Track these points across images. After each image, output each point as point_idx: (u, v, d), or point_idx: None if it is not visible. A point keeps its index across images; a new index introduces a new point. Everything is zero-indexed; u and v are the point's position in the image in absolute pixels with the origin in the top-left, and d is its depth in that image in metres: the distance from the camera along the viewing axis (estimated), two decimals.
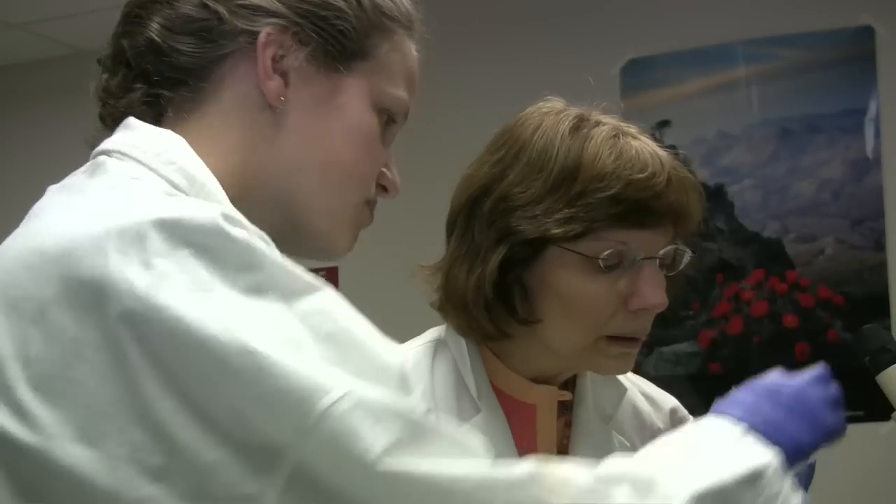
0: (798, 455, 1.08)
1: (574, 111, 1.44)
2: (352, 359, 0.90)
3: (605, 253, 1.37)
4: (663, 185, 1.37)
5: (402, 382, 0.93)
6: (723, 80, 3.64)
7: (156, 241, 0.89)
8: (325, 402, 0.86)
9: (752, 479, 1.01)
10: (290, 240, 1.09)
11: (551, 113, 1.44)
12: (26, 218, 1.03)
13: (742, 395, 1.11)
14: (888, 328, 3.35)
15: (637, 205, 1.36)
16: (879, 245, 3.42)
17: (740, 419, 1.06)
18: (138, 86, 1.08)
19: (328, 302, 0.92)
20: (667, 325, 3.50)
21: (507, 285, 1.40)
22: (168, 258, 0.89)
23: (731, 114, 3.61)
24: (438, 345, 1.51)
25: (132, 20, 1.10)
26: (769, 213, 3.54)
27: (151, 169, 1.01)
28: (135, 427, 0.86)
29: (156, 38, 1.07)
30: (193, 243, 0.89)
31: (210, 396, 0.86)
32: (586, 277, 1.38)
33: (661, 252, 1.40)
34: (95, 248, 0.90)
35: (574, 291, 1.39)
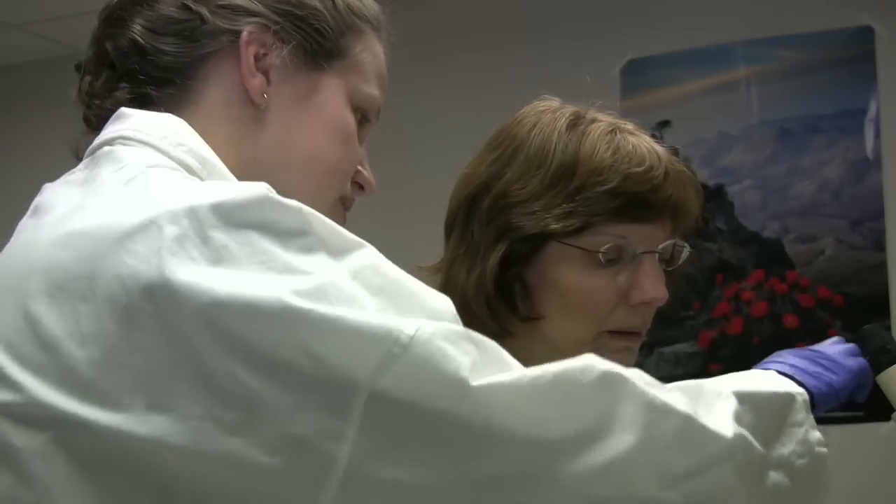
0: (830, 395, 1.22)
1: (570, 108, 1.45)
2: (406, 306, 0.93)
3: (605, 247, 1.37)
4: (661, 178, 1.38)
5: (456, 320, 0.97)
6: (722, 81, 3.64)
7: (211, 218, 0.91)
8: (406, 335, 0.90)
9: (785, 401, 1.14)
10: None
11: (548, 111, 1.44)
12: (35, 214, 1.03)
13: (768, 357, 1.25)
14: (888, 328, 3.34)
15: (635, 198, 1.37)
16: (879, 245, 3.42)
17: (770, 368, 1.21)
18: (123, 85, 1.10)
19: (372, 257, 0.96)
20: (667, 325, 3.50)
21: (508, 283, 1.41)
22: (226, 232, 0.90)
23: (731, 114, 3.61)
24: None
25: (113, 22, 1.12)
26: (769, 213, 3.54)
27: (162, 152, 1.02)
28: (202, 386, 0.88)
29: (139, 39, 1.09)
30: (248, 218, 0.92)
31: (280, 350, 0.88)
32: (586, 272, 1.39)
33: (661, 246, 1.41)
34: (147, 223, 0.91)
35: (574, 286, 1.39)
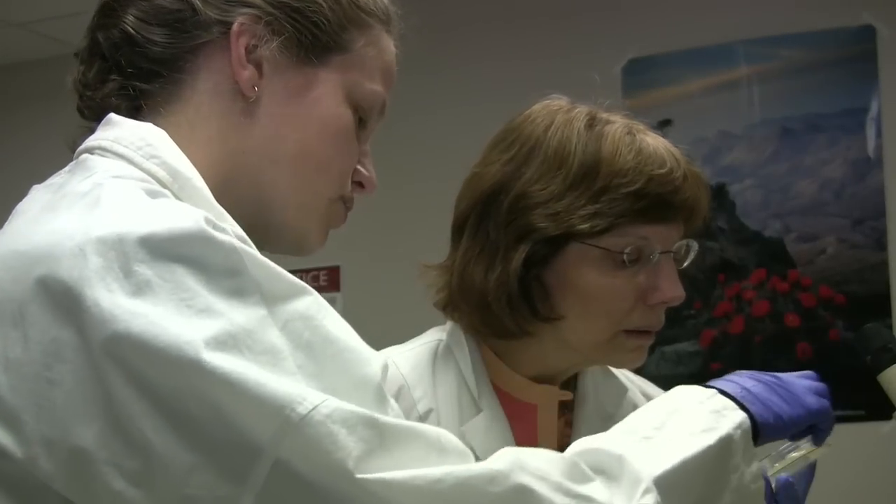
0: (776, 426, 1.12)
1: (584, 108, 1.45)
2: (328, 370, 0.90)
3: (629, 248, 1.39)
4: (681, 180, 1.40)
5: (379, 393, 0.92)
6: (724, 80, 3.64)
7: (138, 251, 0.88)
8: (302, 409, 0.86)
9: (720, 453, 1.05)
10: (263, 235, 1.08)
11: (561, 111, 1.44)
12: (10, 217, 1.03)
13: (729, 374, 1.16)
14: (889, 327, 3.34)
15: (658, 200, 1.39)
16: (881, 244, 3.42)
17: (722, 388, 1.11)
18: (113, 77, 1.08)
19: (309, 307, 0.92)
20: (668, 324, 3.48)
21: (527, 283, 1.41)
22: (150, 266, 0.88)
23: (733, 113, 3.61)
24: (440, 345, 1.51)
25: (107, 12, 1.10)
26: (770, 212, 3.54)
27: (134, 164, 1.00)
28: (112, 430, 0.86)
29: (130, 29, 1.07)
30: (176, 252, 0.89)
31: (185, 402, 0.86)
32: (607, 273, 1.40)
33: (675, 246, 1.43)
34: (76, 250, 0.89)
35: (595, 287, 1.40)
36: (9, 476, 0.88)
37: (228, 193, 1.05)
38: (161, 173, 1.00)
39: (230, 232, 0.92)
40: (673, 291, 1.41)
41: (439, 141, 3.68)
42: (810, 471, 1.39)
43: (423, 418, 1.43)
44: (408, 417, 1.42)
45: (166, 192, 0.98)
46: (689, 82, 3.67)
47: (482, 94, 3.63)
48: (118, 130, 1.04)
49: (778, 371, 1.19)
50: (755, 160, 3.58)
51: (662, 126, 3.74)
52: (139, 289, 0.87)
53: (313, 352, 0.90)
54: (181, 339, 0.86)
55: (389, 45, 1.17)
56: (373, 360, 0.94)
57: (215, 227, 0.91)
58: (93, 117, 1.09)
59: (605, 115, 1.44)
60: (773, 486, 1.35)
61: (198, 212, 0.92)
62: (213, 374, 0.85)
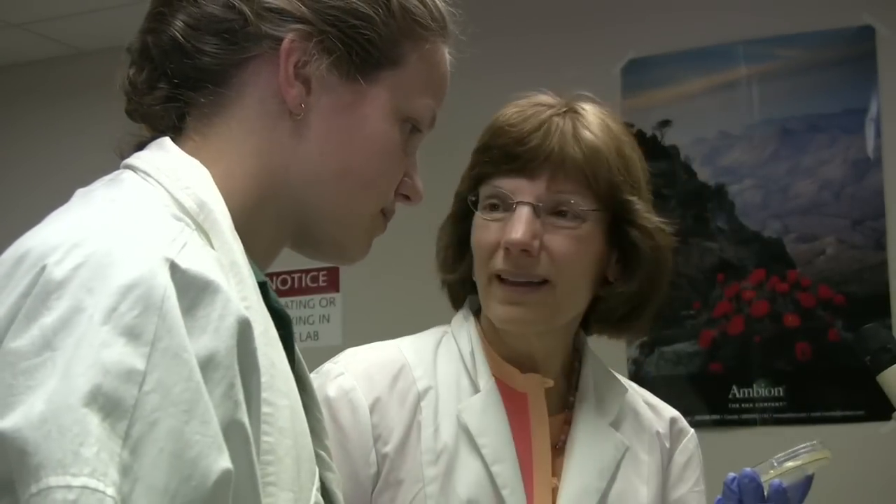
0: None
1: (568, 101, 1.55)
2: (146, 463, 0.81)
3: (487, 198, 1.53)
4: (528, 131, 1.50)
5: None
6: (723, 80, 3.64)
7: (58, 287, 0.85)
8: (53, 481, 0.78)
9: None
10: (305, 245, 1.09)
11: (545, 103, 1.55)
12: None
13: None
14: (889, 328, 3.35)
15: (502, 151, 1.51)
16: (880, 245, 3.42)
17: None
18: (162, 85, 1.08)
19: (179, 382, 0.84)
20: (667, 324, 3.50)
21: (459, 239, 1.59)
22: (62, 298, 0.85)
23: (732, 113, 3.61)
24: (444, 335, 1.59)
25: (157, 17, 1.09)
26: (770, 212, 3.54)
27: (168, 191, 1.00)
28: None
29: (179, 36, 1.06)
30: (94, 283, 0.85)
31: None
32: (481, 224, 1.53)
33: (536, 197, 1.50)
34: (29, 268, 0.88)
35: (475, 237, 1.54)
36: None
37: (269, 207, 1.05)
38: (189, 203, 0.99)
39: (192, 279, 0.88)
40: (511, 234, 1.49)
41: (438, 142, 3.68)
42: (807, 483, 1.39)
43: (421, 395, 1.51)
44: (407, 394, 1.49)
45: (187, 219, 0.98)
46: (688, 83, 3.67)
47: (483, 96, 3.62)
48: (165, 159, 1.04)
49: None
50: (755, 160, 3.58)
51: (662, 127, 3.77)
52: (30, 315, 0.85)
53: (142, 441, 0.81)
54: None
55: (444, 55, 1.16)
56: (211, 461, 0.84)
57: (174, 268, 0.87)
58: (140, 121, 1.09)
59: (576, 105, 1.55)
60: (766, 491, 1.35)
61: (162, 249, 0.89)
62: None
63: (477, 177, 1.54)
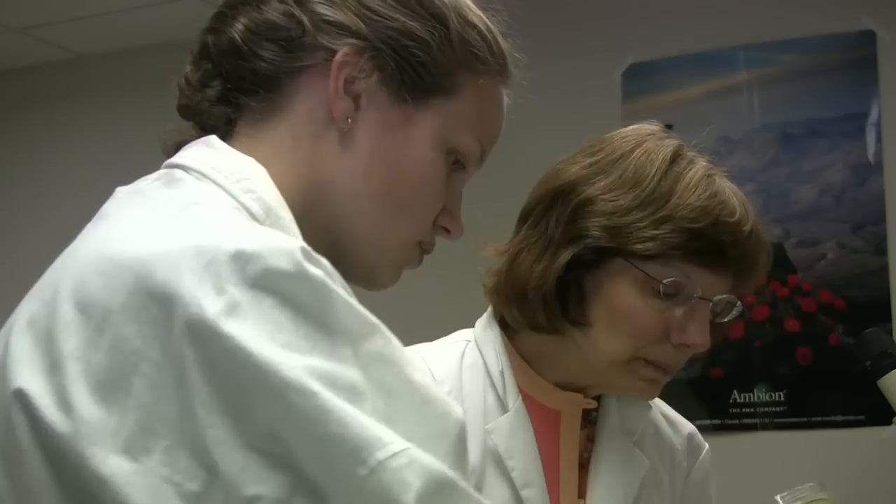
0: None
1: (674, 141, 1.48)
2: (406, 418, 0.89)
3: (668, 280, 1.40)
4: (746, 234, 1.42)
5: (456, 448, 0.91)
6: (724, 85, 3.64)
7: (233, 269, 0.88)
8: (381, 454, 0.85)
9: None
10: (335, 265, 1.09)
11: (653, 136, 1.48)
12: (95, 218, 1.03)
13: None
14: (889, 333, 3.34)
15: (715, 245, 1.40)
16: (881, 249, 3.42)
17: None
18: (216, 84, 1.08)
19: (385, 348, 0.91)
20: None
21: (566, 283, 1.44)
22: (241, 288, 0.87)
23: (733, 118, 3.61)
24: (467, 346, 1.54)
25: (220, 17, 1.10)
26: (770, 217, 3.54)
27: (231, 194, 1.00)
28: (181, 449, 0.85)
29: (238, 39, 1.07)
30: (267, 283, 0.88)
31: (263, 431, 0.85)
32: (641, 296, 1.42)
33: (716, 298, 1.43)
34: (170, 263, 0.89)
35: (627, 305, 1.42)
36: (61, 461, 0.88)
37: (309, 220, 1.05)
38: (255, 208, 1.00)
39: (323, 265, 0.91)
40: (697, 338, 1.42)
41: None
42: None
43: None
44: None
45: (257, 224, 0.98)
46: (689, 87, 3.67)
47: None
48: (218, 157, 1.04)
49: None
50: (755, 165, 3.58)
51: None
52: (230, 308, 0.86)
53: (393, 397, 0.89)
54: (284, 365, 0.85)
55: (500, 95, 1.15)
56: (452, 412, 0.92)
57: (310, 258, 0.90)
58: (190, 118, 1.10)
59: (691, 154, 1.47)
60: None
61: (295, 242, 0.91)
62: (314, 400, 0.84)
63: (661, 253, 1.40)
